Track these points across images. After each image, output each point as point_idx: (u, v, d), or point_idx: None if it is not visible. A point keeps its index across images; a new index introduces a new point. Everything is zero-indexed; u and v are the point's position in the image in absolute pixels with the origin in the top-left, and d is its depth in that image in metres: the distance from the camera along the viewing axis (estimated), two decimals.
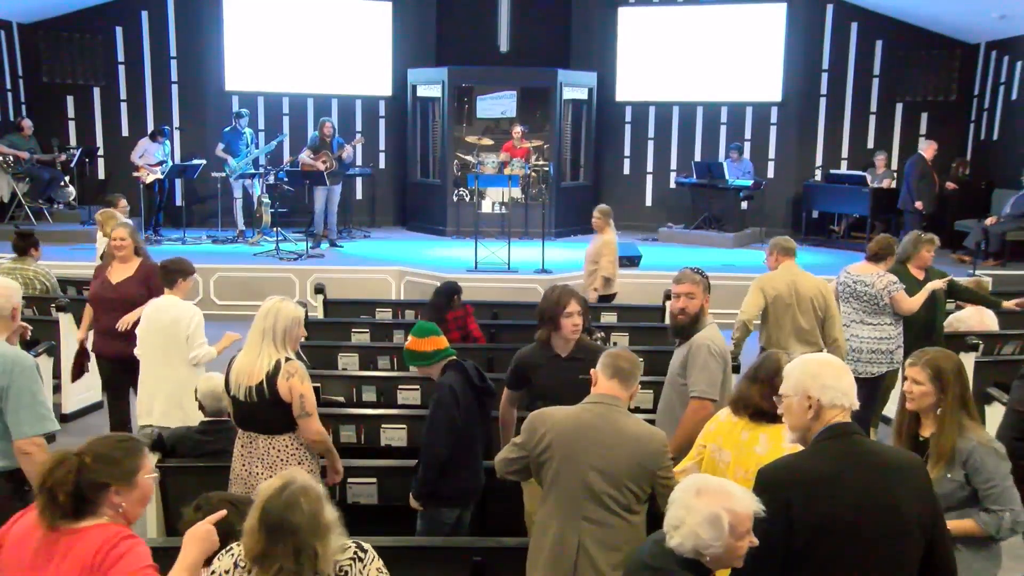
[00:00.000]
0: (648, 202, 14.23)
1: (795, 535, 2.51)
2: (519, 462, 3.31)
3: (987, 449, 3.13)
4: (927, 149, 11.42)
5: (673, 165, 14.01)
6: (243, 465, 4.01)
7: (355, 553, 2.54)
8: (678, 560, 2.37)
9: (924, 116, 13.36)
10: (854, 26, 13.27)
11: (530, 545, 3.30)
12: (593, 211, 8.64)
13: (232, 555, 2.54)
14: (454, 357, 4.06)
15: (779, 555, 2.50)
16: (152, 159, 12.12)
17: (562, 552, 3.14)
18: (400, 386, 5.77)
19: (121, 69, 13.24)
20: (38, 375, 3.53)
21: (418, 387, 5.70)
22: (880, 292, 5.84)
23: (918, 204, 11.34)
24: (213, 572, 2.53)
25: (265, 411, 3.91)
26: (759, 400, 3.23)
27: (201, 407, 4.61)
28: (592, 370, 3.38)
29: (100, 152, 13.36)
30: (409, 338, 4.07)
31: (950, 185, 11.80)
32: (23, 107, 12.91)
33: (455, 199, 12.81)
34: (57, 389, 6.79)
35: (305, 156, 11.73)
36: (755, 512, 2.35)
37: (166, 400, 5.16)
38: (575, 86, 13.23)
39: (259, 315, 3.97)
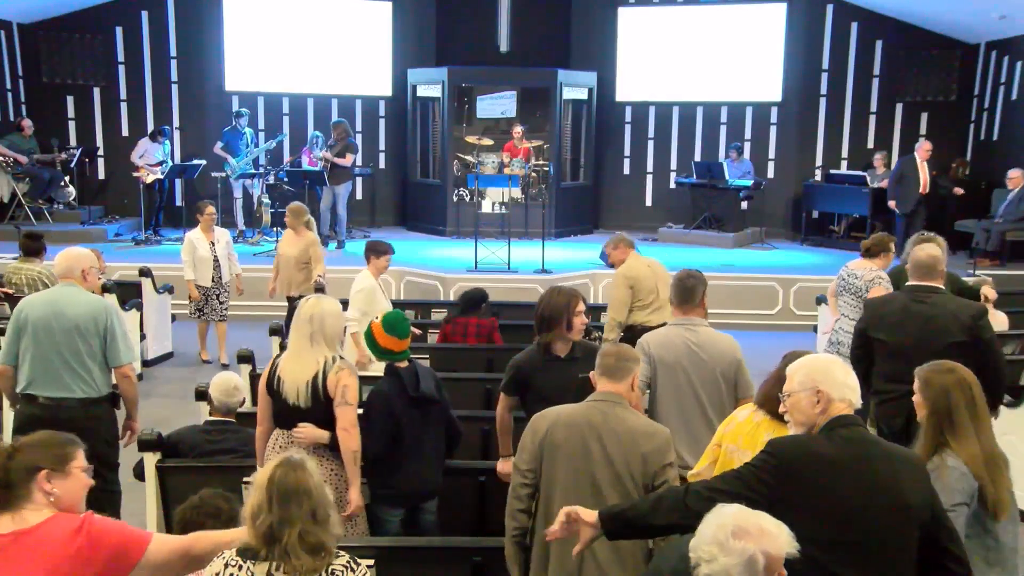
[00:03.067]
0: (648, 202, 14.23)
1: (802, 513, 2.52)
2: (529, 481, 3.24)
3: (948, 472, 2.97)
4: (919, 149, 11.43)
5: (673, 165, 14.00)
6: None
7: (348, 562, 2.54)
8: None
9: (924, 116, 13.36)
10: (854, 26, 13.26)
11: (534, 546, 3.29)
12: (287, 209, 8.21)
13: (222, 558, 2.52)
14: (399, 363, 4.03)
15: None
16: (152, 159, 12.13)
17: (565, 549, 3.15)
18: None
19: (121, 69, 13.24)
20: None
21: None
22: (866, 284, 5.84)
23: (890, 203, 11.41)
24: None
25: (318, 412, 3.88)
26: None
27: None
28: (591, 373, 3.39)
29: (100, 152, 13.35)
30: (390, 338, 4.02)
31: (957, 190, 11.70)
32: (23, 107, 12.91)
33: (455, 199, 12.80)
34: None
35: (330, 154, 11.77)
36: (789, 554, 2.26)
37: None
38: (575, 86, 13.23)
39: (302, 318, 3.92)
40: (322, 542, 2.47)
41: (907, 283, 4.61)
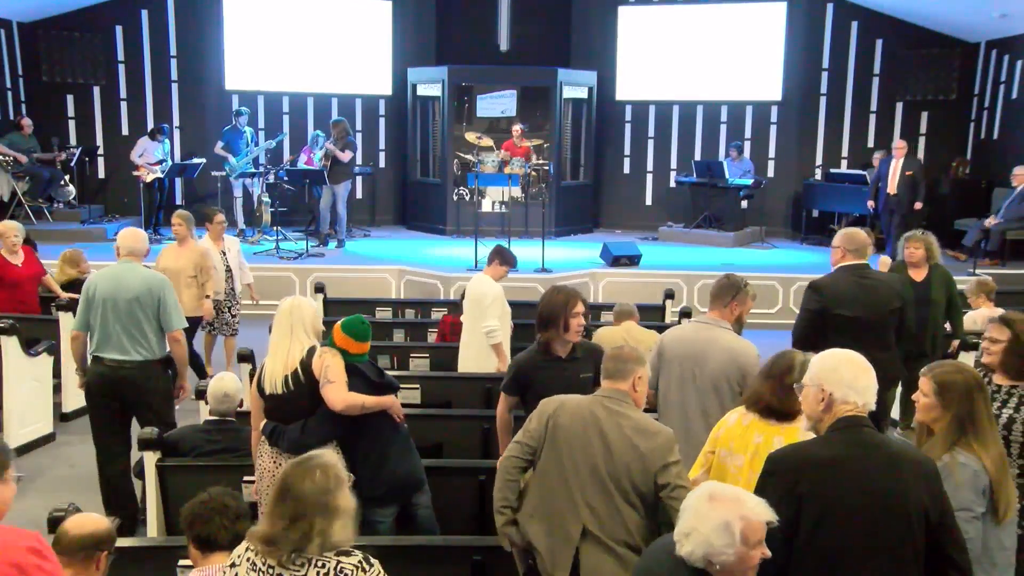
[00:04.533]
0: (648, 201, 14.23)
1: (802, 517, 2.55)
2: (524, 456, 3.32)
3: (956, 469, 2.95)
4: (893, 149, 11.41)
5: (673, 164, 14.01)
6: (273, 460, 4.00)
7: (360, 562, 2.56)
8: (688, 570, 2.35)
9: (924, 115, 13.36)
10: (854, 25, 13.27)
11: (528, 496, 3.33)
12: (174, 217, 7.31)
13: (244, 544, 2.61)
14: (357, 363, 4.07)
15: (787, 533, 2.54)
16: (152, 158, 12.12)
17: (565, 538, 3.18)
18: (400, 384, 5.77)
19: (121, 68, 13.24)
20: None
21: (418, 386, 5.71)
22: None
23: (869, 203, 11.46)
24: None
25: (301, 398, 3.94)
26: (769, 397, 3.24)
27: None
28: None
29: (100, 151, 13.35)
30: (345, 337, 4.04)
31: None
32: (23, 106, 12.90)
33: (455, 198, 12.80)
34: (57, 389, 6.79)
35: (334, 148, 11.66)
36: (768, 521, 2.32)
37: (475, 355, 6.09)
38: (575, 85, 13.23)
39: (282, 314, 4.07)
40: (335, 543, 2.53)
41: (842, 263, 5.04)
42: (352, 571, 2.52)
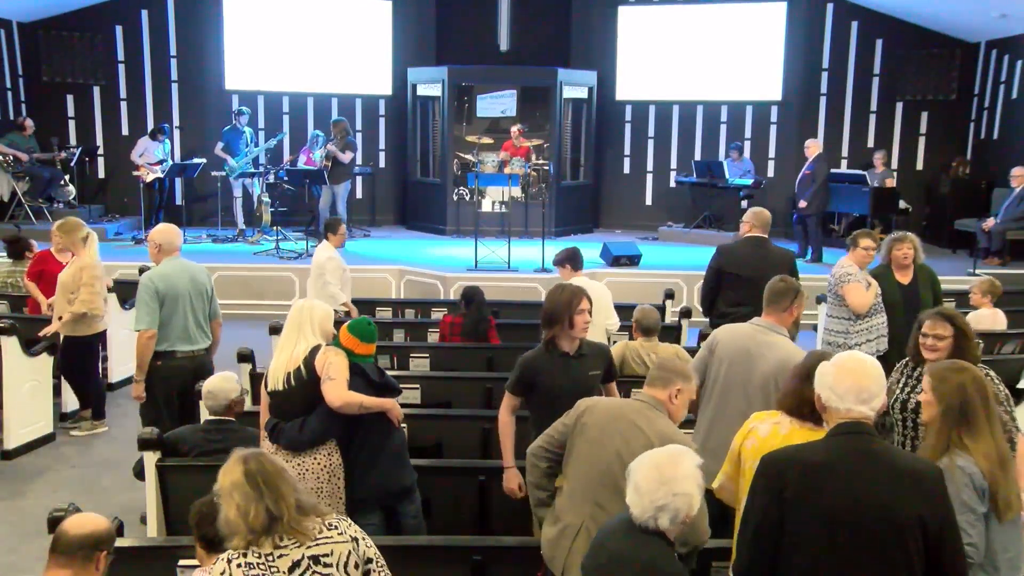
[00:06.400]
0: (648, 201, 14.23)
1: (789, 519, 2.54)
2: (550, 448, 3.39)
3: (955, 472, 2.92)
4: (805, 149, 11.42)
5: (673, 164, 14.01)
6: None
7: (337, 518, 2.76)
8: (644, 535, 2.57)
9: (924, 115, 13.37)
10: (854, 25, 13.27)
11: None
12: (53, 228, 6.74)
13: (222, 558, 2.60)
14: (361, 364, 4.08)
15: (774, 536, 2.56)
16: (152, 158, 12.13)
17: (563, 531, 3.20)
18: (399, 384, 5.76)
19: (121, 68, 13.24)
20: None
21: (418, 386, 5.71)
22: (838, 281, 5.78)
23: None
24: None
25: (303, 394, 3.96)
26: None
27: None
28: None
29: (100, 151, 13.35)
30: (351, 337, 4.05)
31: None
32: (23, 106, 12.90)
33: (455, 198, 12.81)
34: (57, 389, 6.78)
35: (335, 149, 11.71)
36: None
37: None
38: (575, 85, 13.23)
39: (292, 314, 4.14)
40: (312, 505, 2.67)
41: (747, 234, 6.15)
42: (339, 523, 2.70)
